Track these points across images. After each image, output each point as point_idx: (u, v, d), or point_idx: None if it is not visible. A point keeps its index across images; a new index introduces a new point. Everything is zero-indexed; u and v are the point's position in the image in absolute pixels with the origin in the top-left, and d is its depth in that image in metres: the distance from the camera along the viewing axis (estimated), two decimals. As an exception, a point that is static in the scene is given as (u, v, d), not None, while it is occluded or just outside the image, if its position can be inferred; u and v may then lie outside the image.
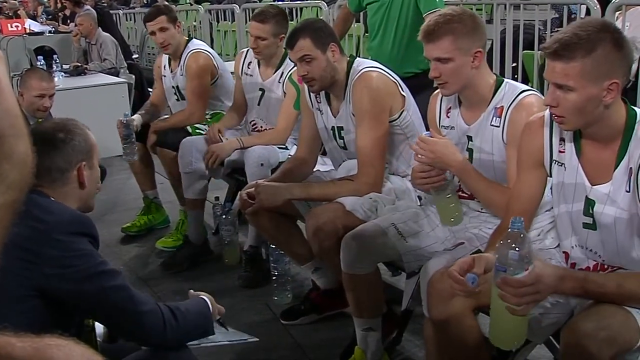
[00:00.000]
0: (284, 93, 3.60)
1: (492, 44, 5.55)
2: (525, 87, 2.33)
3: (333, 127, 2.88)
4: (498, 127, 2.27)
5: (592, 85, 1.74)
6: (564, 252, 2.07)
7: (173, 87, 4.13)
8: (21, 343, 0.67)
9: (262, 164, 3.42)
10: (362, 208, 2.60)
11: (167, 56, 4.14)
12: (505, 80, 2.35)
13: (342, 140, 2.89)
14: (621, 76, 1.77)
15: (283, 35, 3.51)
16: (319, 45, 2.71)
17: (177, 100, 4.15)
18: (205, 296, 1.96)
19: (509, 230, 1.66)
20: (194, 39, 4.14)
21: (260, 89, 3.72)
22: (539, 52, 5.12)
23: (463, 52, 2.21)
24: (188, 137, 3.79)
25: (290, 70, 3.56)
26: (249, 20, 3.67)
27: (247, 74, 3.78)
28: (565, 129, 1.91)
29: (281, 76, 3.63)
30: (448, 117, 2.44)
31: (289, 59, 2.98)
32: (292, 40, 2.75)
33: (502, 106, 2.26)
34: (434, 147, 2.30)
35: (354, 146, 2.78)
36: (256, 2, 10.80)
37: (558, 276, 1.72)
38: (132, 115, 4.09)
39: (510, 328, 1.73)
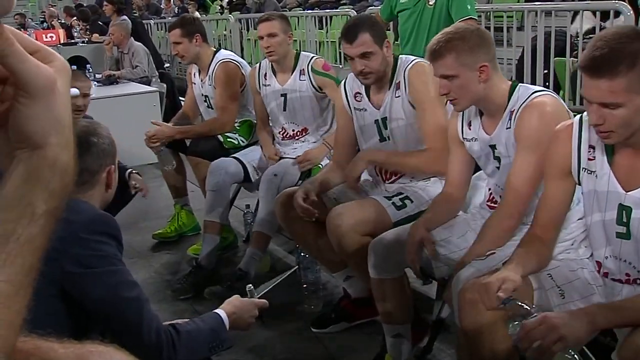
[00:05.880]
0: (314, 87, 3.63)
1: (522, 51, 5.51)
2: (539, 88, 2.32)
3: (377, 120, 2.89)
4: (510, 129, 2.28)
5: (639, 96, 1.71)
6: (596, 261, 2.05)
7: (203, 95, 4.16)
8: (64, 349, 0.68)
9: (275, 175, 3.53)
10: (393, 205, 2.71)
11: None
12: (520, 84, 2.34)
13: (387, 131, 2.89)
14: None
15: (291, 33, 3.66)
16: (377, 40, 2.74)
17: (208, 107, 4.18)
18: (220, 311, 1.91)
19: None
20: (221, 50, 4.19)
21: (282, 95, 3.72)
22: (571, 59, 5.08)
23: (468, 68, 2.22)
24: (220, 159, 3.79)
25: (309, 64, 3.62)
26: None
27: (265, 85, 3.79)
28: (610, 142, 1.86)
29: (301, 73, 3.66)
30: (470, 129, 2.45)
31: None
32: (351, 35, 2.76)
33: (515, 109, 2.27)
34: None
35: (399, 135, 2.84)
36: (285, 10, 10.87)
37: (567, 313, 1.76)
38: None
39: None
